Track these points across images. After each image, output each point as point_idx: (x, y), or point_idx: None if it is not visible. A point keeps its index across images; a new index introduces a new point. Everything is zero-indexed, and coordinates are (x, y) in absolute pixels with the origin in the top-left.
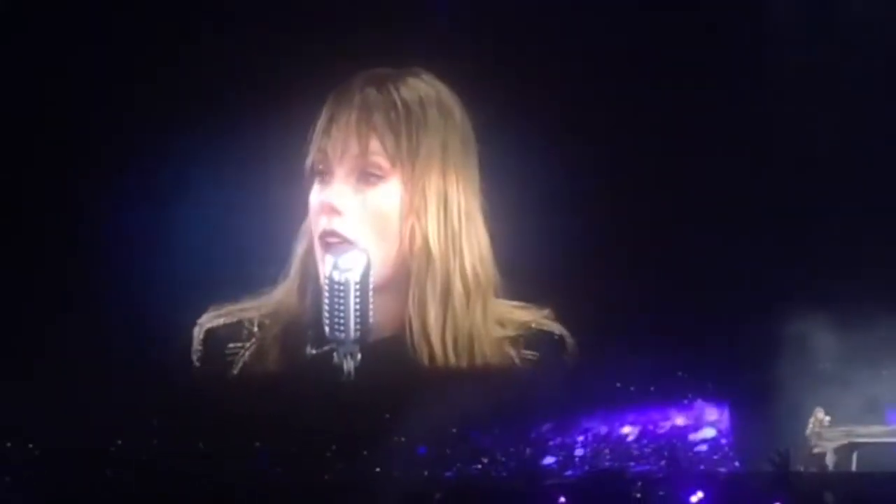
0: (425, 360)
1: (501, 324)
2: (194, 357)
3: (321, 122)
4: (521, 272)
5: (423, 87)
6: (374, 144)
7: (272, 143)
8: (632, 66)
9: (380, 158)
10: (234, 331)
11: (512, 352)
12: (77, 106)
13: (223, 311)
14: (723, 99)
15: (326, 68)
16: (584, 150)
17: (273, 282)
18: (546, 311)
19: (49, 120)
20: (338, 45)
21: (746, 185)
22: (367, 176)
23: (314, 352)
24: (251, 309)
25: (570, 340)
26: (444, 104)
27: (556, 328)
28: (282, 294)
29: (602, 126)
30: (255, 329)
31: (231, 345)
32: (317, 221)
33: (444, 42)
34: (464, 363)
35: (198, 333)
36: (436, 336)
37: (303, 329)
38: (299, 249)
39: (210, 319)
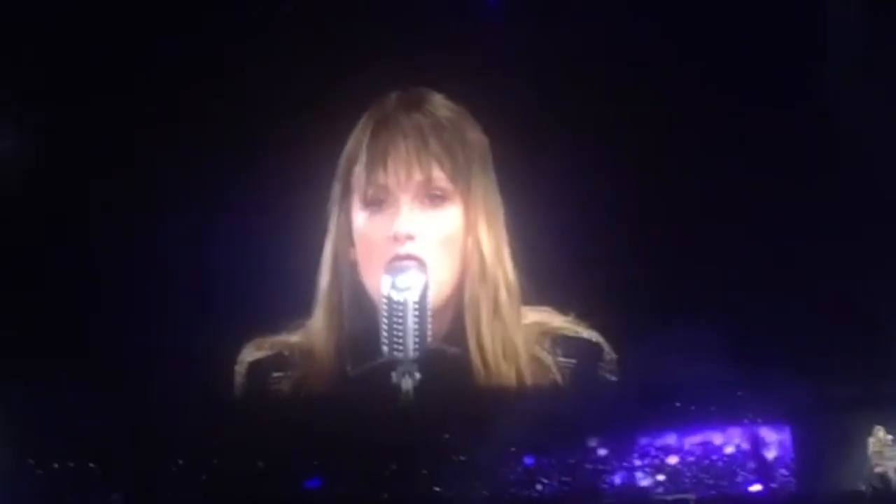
0: (480, 371)
1: (534, 327)
2: (239, 391)
3: (371, 154)
4: (537, 275)
5: (452, 105)
6: (436, 169)
7: (305, 169)
8: (647, 65)
9: (442, 182)
10: (277, 361)
11: (549, 359)
12: (117, 131)
13: (263, 343)
14: (744, 95)
15: (350, 88)
16: (600, 150)
17: (309, 313)
18: (570, 317)
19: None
20: (359, 67)
21: (792, 179)
22: (432, 199)
23: (355, 371)
24: (290, 339)
25: (606, 347)
26: (472, 121)
27: (593, 335)
28: (314, 324)
29: (617, 124)
30: (296, 357)
31: (275, 374)
32: (386, 249)
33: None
34: (511, 373)
35: (240, 368)
36: (489, 349)
37: (342, 353)
38: (323, 282)
39: (251, 353)
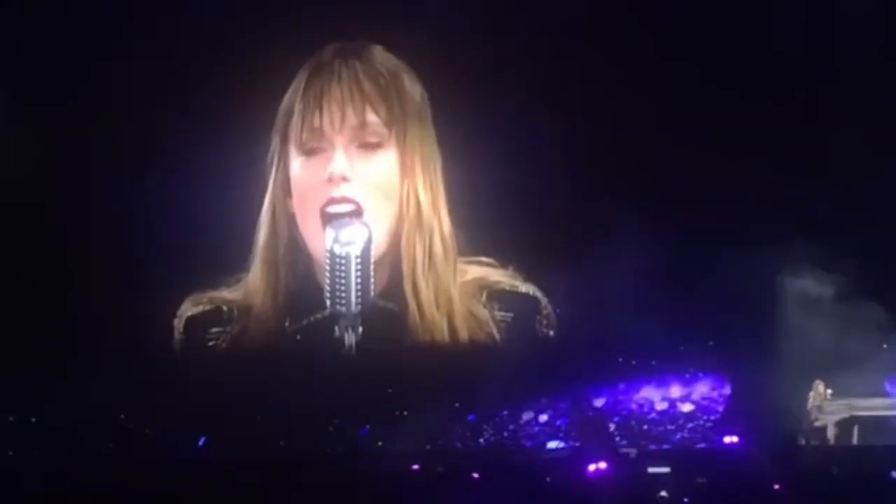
0: (416, 321)
1: (472, 282)
2: (177, 346)
3: (305, 99)
4: (475, 226)
5: (391, 57)
6: (371, 114)
7: (245, 124)
8: (592, 25)
9: (378, 126)
10: (215, 316)
11: (486, 314)
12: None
13: (201, 298)
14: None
15: (286, 45)
16: (542, 107)
17: (247, 267)
18: (510, 270)
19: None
20: (294, 23)
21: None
22: (367, 144)
23: (295, 326)
24: (228, 295)
25: (544, 301)
26: (410, 72)
27: (531, 288)
28: (253, 278)
29: (559, 82)
30: (235, 313)
31: (213, 329)
32: (321, 193)
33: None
34: (444, 324)
35: (178, 324)
36: (425, 297)
37: (281, 308)
38: (261, 236)
39: (188, 308)
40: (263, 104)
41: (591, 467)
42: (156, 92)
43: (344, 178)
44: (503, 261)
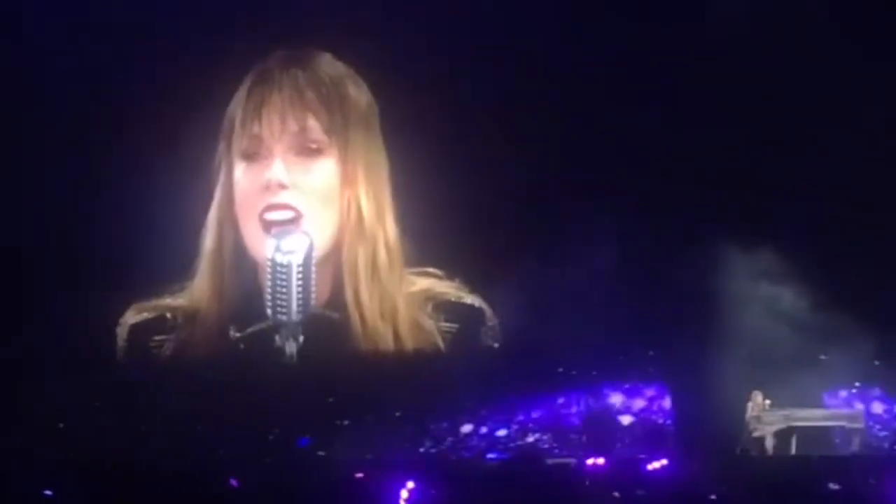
0: (359, 330)
1: (419, 293)
2: (120, 354)
3: (247, 107)
4: (424, 237)
5: (338, 65)
6: (311, 121)
7: (192, 131)
8: (536, 35)
9: (317, 133)
10: (158, 324)
11: (431, 325)
12: None
13: (145, 305)
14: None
15: (236, 53)
16: (490, 118)
17: (192, 275)
18: (456, 282)
19: None
20: (245, 30)
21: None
22: (306, 151)
23: (238, 335)
24: (172, 302)
25: (489, 312)
26: (357, 81)
27: (476, 300)
28: (198, 285)
29: (509, 92)
30: (180, 320)
31: (157, 337)
32: (259, 199)
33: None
34: (389, 333)
35: (121, 332)
36: (367, 306)
37: (225, 316)
38: (207, 244)
39: (132, 316)
40: (210, 111)
41: (530, 477)
42: (99, 98)
43: (281, 185)
44: (451, 272)
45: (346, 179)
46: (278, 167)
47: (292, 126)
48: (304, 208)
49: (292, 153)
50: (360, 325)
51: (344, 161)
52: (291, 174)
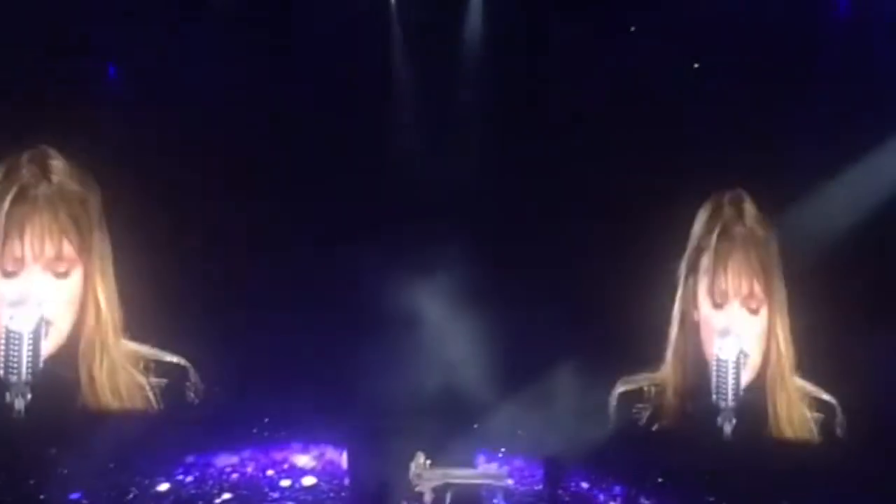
0: (89, 398)
1: (134, 353)
2: None
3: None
4: (142, 313)
5: (70, 169)
6: (66, 246)
7: None
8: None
9: (70, 255)
10: None
11: (143, 380)
12: None
13: None
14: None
15: None
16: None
17: None
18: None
19: None
20: None
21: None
22: (58, 272)
23: None
24: None
25: (191, 370)
26: (88, 178)
27: (181, 360)
28: None
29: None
30: None
31: None
32: (8, 311)
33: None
34: (116, 399)
35: None
36: (96, 365)
37: None
38: None
39: None
40: None
41: None
42: None
43: (37, 301)
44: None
45: (88, 285)
46: (34, 284)
47: (50, 251)
48: (54, 316)
49: (48, 272)
50: (90, 394)
51: (87, 269)
52: (46, 291)
